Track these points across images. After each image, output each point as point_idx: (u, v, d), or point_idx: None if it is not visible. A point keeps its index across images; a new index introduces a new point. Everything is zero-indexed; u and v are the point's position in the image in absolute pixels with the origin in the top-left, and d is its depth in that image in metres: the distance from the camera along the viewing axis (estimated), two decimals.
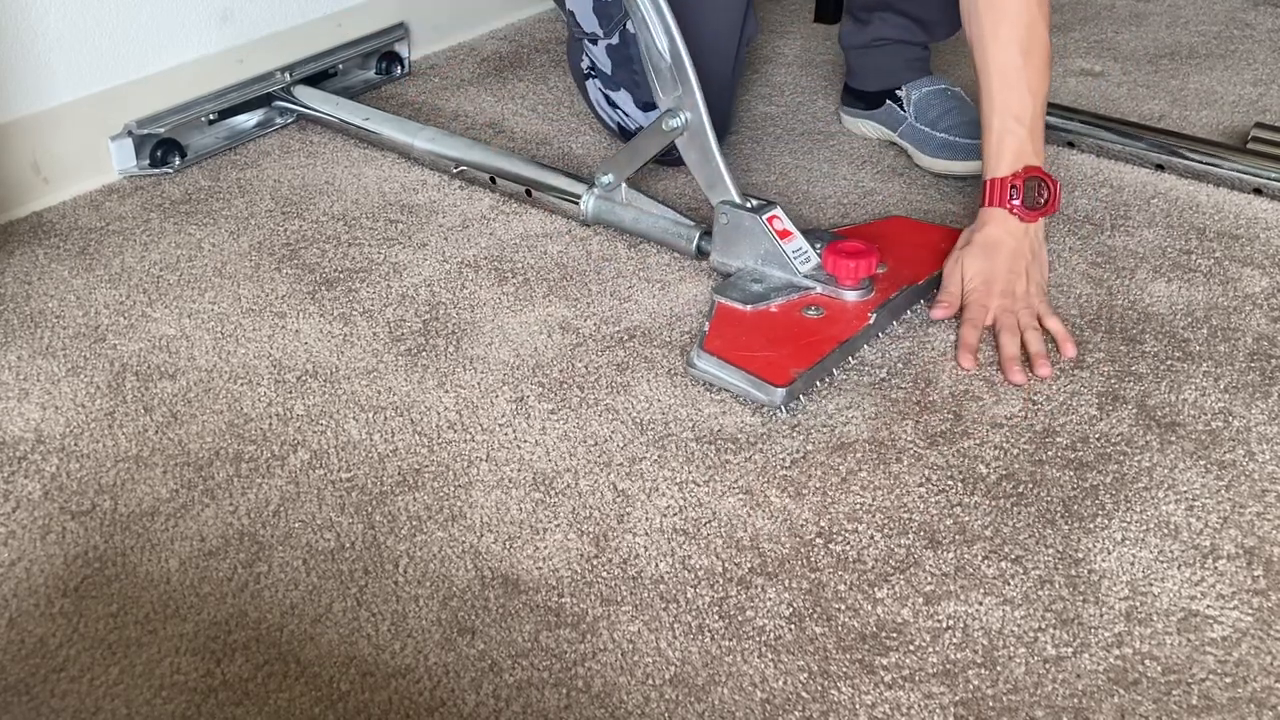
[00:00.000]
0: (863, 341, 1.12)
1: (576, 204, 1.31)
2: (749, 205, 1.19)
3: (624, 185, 1.28)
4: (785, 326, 1.11)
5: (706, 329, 1.11)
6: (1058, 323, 1.13)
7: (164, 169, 1.43)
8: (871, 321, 1.12)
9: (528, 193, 1.35)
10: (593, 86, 1.44)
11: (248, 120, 1.53)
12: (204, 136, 1.48)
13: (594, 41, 1.39)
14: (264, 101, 1.53)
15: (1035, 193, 1.15)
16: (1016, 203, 1.15)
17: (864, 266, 1.12)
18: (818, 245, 1.17)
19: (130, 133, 1.41)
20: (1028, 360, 1.09)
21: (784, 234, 1.17)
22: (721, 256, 1.21)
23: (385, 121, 1.48)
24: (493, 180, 1.38)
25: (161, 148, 1.43)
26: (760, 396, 1.04)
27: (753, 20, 1.41)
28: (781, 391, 1.03)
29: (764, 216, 1.17)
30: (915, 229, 1.29)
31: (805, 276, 1.15)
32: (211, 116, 1.48)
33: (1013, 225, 1.15)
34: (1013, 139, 1.16)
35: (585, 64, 1.43)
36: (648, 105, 1.38)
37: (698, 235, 1.23)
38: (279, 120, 1.55)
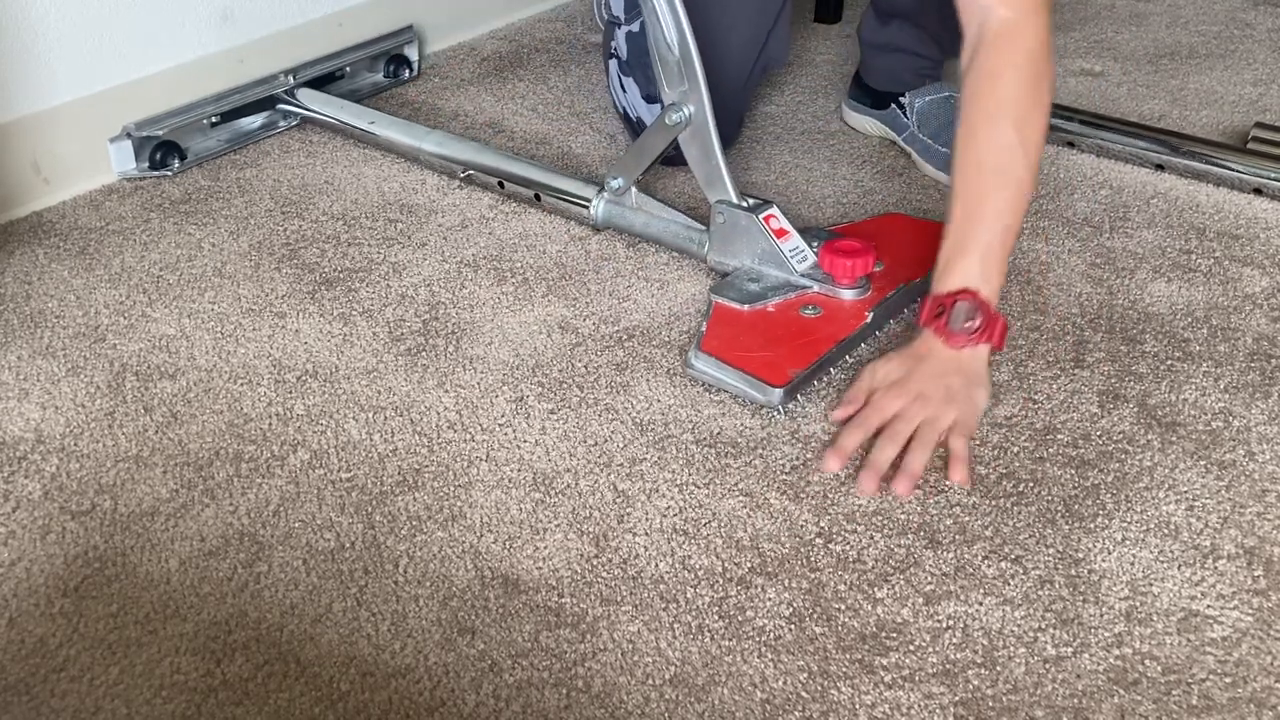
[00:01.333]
0: (860, 340, 1.12)
1: (586, 208, 1.30)
2: (745, 204, 1.19)
3: (634, 189, 1.27)
4: (783, 326, 1.11)
5: (704, 329, 1.11)
6: (961, 443, 0.98)
7: (163, 171, 1.43)
8: (869, 320, 1.12)
9: (536, 197, 1.35)
10: (613, 66, 1.46)
11: (251, 123, 1.52)
12: (205, 139, 1.48)
13: (618, 25, 1.41)
14: (267, 104, 1.53)
15: (965, 317, 1.03)
16: (942, 322, 1.04)
17: (860, 265, 1.12)
18: (814, 244, 1.17)
19: (129, 135, 1.41)
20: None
21: (781, 233, 1.17)
22: (719, 256, 1.21)
23: (391, 125, 1.47)
24: (501, 184, 1.37)
25: (161, 150, 1.43)
26: (758, 397, 1.04)
27: (779, 46, 1.39)
28: (779, 392, 1.03)
29: (760, 215, 1.17)
30: (912, 226, 1.29)
31: (802, 275, 1.15)
32: (214, 119, 1.48)
33: (939, 347, 1.04)
34: (961, 263, 1.05)
35: (612, 44, 1.45)
36: (651, 98, 1.39)
37: (710, 239, 1.22)
38: (283, 123, 1.54)
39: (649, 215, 1.27)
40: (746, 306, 1.13)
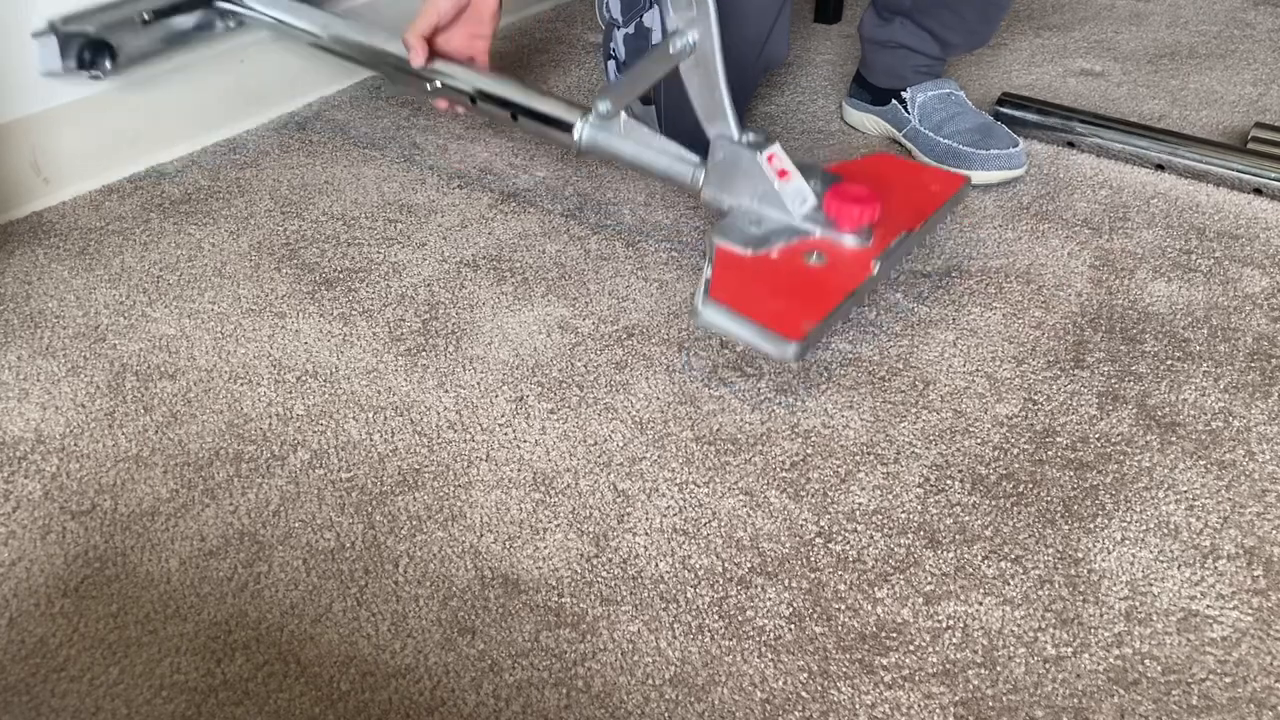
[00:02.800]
0: (866, 292, 1.07)
1: (569, 133, 1.20)
2: (747, 140, 1.13)
3: (623, 115, 1.19)
4: (789, 275, 1.06)
5: (708, 274, 1.06)
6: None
7: (93, 72, 1.31)
8: (875, 271, 1.07)
9: (513, 117, 1.24)
10: (611, 67, 1.47)
11: (186, 22, 1.41)
12: (137, 38, 1.36)
13: (617, 28, 1.42)
14: (203, 1, 1.42)
15: None
16: None
17: (868, 213, 1.08)
18: (812, 183, 1.13)
19: (54, 30, 1.28)
20: None
21: (782, 174, 1.12)
22: (714, 192, 1.14)
23: (346, 28, 1.35)
24: (473, 101, 1.26)
25: (90, 49, 1.30)
26: (772, 350, 1.00)
27: (778, 44, 1.39)
28: (796, 346, 0.99)
29: (763, 154, 1.11)
30: (907, 169, 1.25)
31: (804, 219, 1.11)
32: (146, 16, 1.36)
33: None
34: None
35: (611, 45, 1.45)
36: (647, 100, 1.40)
37: (703, 173, 1.15)
38: (219, 24, 1.43)
39: (638, 144, 1.18)
40: (750, 251, 1.08)
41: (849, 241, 1.09)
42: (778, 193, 1.11)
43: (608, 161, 1.23)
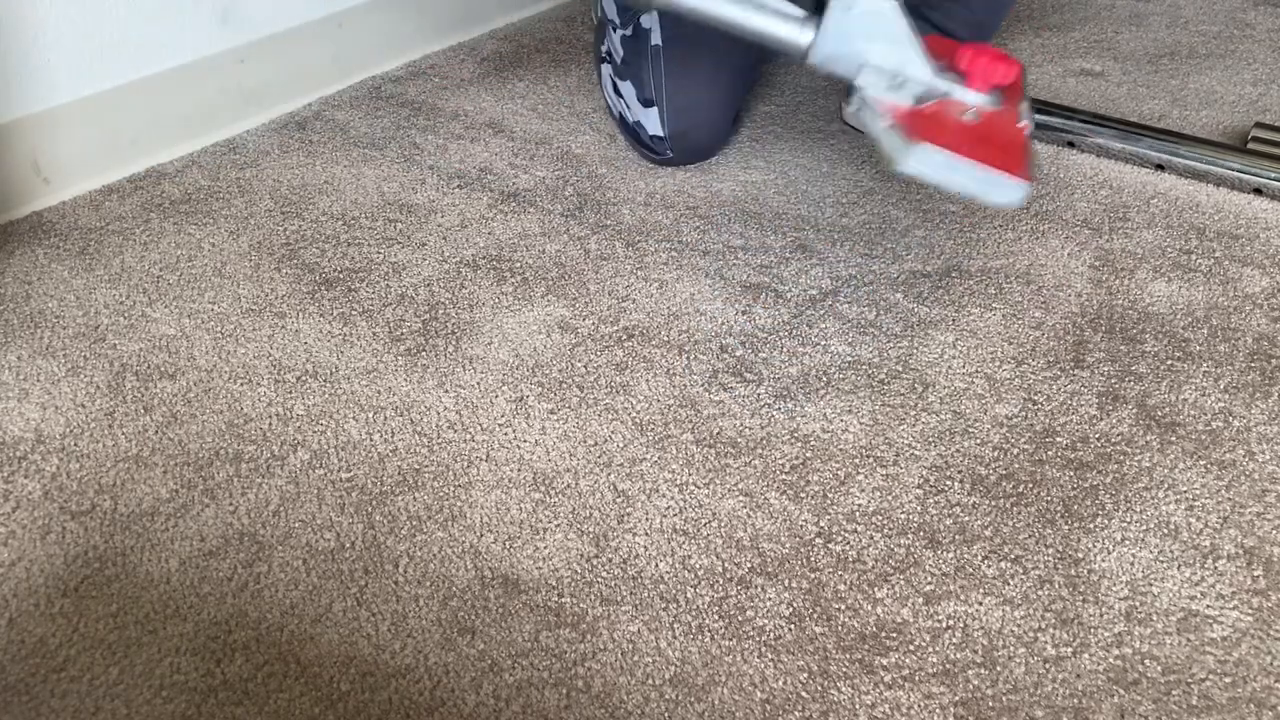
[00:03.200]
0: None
1: None
2: None
3: None
4: (963, 126, 0.99)
5: (887, 123, 0.98)
6: None
7: None
8: (1031, 129, 1.00)
9: None
10: (606, 70, 1.47)
11: None
12: None
13: (613, 29, 1.42)
14: None
15: None
16: None
17: (1012, 72, 1.01)
18: None
19: None
20: None
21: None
22: (832, 49, 1.01)
23: None
24: None
25: None
26: (999, 195, 0.94)
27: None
28: (1027, 188, 0.93)
29: (896, 6, 1.01)
30: (955, 46, 1.17)
31: (936, 77, 1.02)
32: None
33: None
34: None
35: (605, 47, 1.45)
36: (647, 101, 1.39)
37: (813, 31, 1.02)
38: None
39: None
40: (914, 104, 1.00)
41: (976, 101, 1.02)
42: (913, 49, 1.02)
43: (679, 15, 1.05)
